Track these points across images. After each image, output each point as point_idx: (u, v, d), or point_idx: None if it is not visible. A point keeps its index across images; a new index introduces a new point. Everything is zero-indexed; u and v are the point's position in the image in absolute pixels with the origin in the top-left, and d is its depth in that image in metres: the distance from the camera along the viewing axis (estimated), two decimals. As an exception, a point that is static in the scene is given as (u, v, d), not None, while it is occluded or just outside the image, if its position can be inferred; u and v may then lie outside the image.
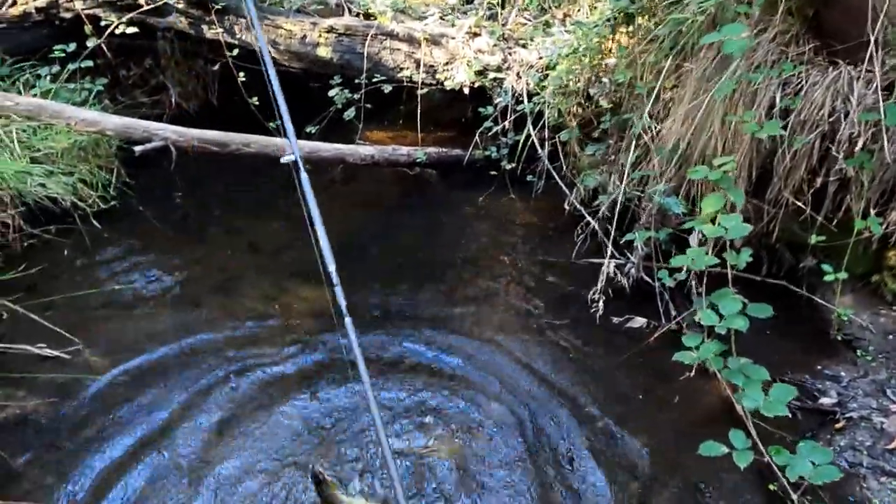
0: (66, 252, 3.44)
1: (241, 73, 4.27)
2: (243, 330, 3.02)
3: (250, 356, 2.87)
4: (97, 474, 2.31)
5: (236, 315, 3.12)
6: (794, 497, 1.82)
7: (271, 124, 4.30)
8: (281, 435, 2.49)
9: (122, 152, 3.95)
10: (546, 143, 3.89)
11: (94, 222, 3.61)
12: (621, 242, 3.16)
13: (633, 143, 3.10)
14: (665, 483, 2.35)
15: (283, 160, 2.01)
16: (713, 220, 2.10)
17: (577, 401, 2.66)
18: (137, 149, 3.46)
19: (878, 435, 2.36)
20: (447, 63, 4.38)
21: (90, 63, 4.10)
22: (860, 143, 2.41)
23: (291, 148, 1.95)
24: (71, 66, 4.02)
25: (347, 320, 1.77)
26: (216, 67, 4.70)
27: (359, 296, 3.26)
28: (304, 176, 1.98)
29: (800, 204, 2.67)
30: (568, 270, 3.39)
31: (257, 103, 4.31)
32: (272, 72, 2.10)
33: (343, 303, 1.81)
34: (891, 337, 2.70)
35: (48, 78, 3.96)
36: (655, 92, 3.05)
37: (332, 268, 1.83)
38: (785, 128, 2.47)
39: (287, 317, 3.13)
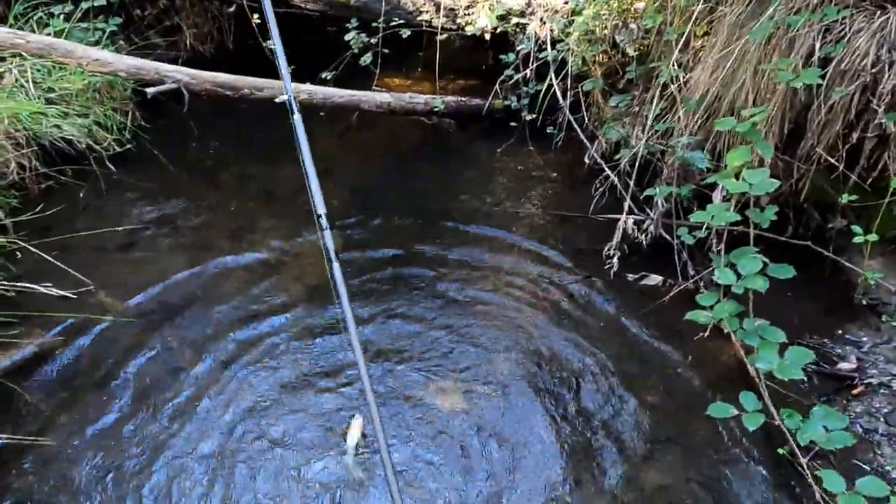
0: (81, 194, 3.45)
1: (256, 16, 4.14)
2: (256, 275, 3.03)
3: (263, 301, 2.88)
4: (110, 415, 2.36)
5: (249, 260, 3.12)
6: (803, 461, 1.78)
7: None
8: (289, 376, 2.52)
9: (137, 95, 3.90)
10: (568, 93, 3.74)
11: (110, 165, 3.61)
12: (641, 198, 3.06)
13: (659, 93, 2.95)
14: (674, 442, 2.33)
15: (277, 100, 1.94)
16: (738, 175, 1.99)
17: (587, 357, 2.63)
18: (150, 90, 3.41)
19: (895, 402, 2.29)
20: (468, 7, 4.20)
21: (104, 2, 4.01)
22: (903, 97, 2.24)
23: (287, 90, 1.86)
24: (84, 5, 3.94)
25: (336, 265, 1.72)
26: (232, 9, 4.58)
27: (372, 243, 3.25)
28: (297, 118, 1.91)
29: (833, 161, 2.53)
30: (585, 225, 3.31)
31: (273, 47, 4.20)
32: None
33: (331, 247, 1.77)
34: (918, 302, 2.59)
35: (61, 17, 3.89)
36: (685, 38, 2.88)
37: (321, 211, 1.77)
38: (823, 78, 2.31)
39: (300, 262, 3.13)
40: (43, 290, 2.12)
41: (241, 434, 2.30)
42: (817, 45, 2.40)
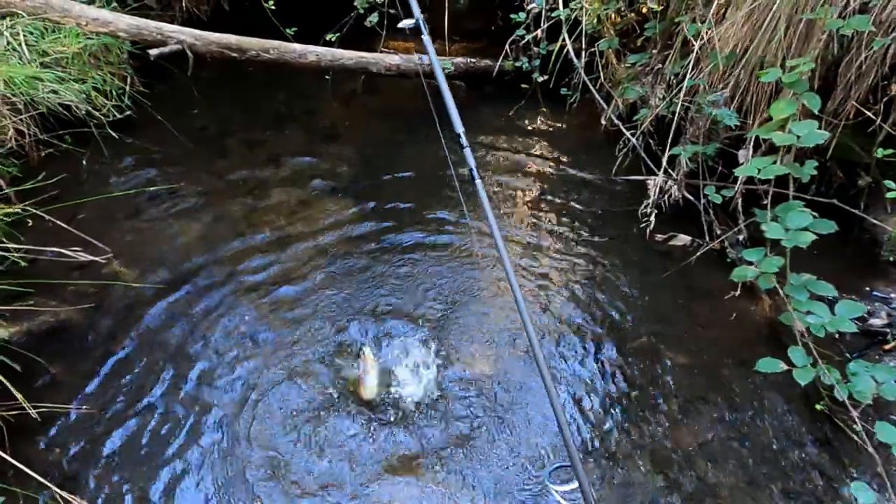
0: (84, 162, 3.32)
1: (256, -26, 3.97)
2: (268, 241, 2.96)
3: (275, 267, 2.82)
4: (132, 381, 2.31)
5: (260, 226, 3.05)
6: (855, 414, 1.77)
7: (288, 31, 4.06)
8: (309, 340, 2.48)
9: (134, 60, 3.74)
10: (583, 53, 3.64)
11: (111, 131, 3.47)
12: (662, 159, 3.00)
13: (681, 50, 2.87)
14: (707, 400, 2.32)
15: (400, 25, 1.83)
16: (783, 128, 1.94)
17: (617, 319, 2.61)
18: (153, 52, 3.26)
19: (930, 356, 2.30)
20: (477, -36, 4.06)
21: (94, -39, 3.80)
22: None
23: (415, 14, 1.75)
24: (75, -37, 3.73)
25: (478, 182, 1.65)
26: (228, -32, 4.38)
27: (382, 203, 3.18)
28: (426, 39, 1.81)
29: (869, 114, 2.48)
30: (604, 187, 3.26)
31: (273, 7, 4.04)
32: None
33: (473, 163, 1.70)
34: (946, 258, 2.59)
35: (52, -25, 3.68)
36: (712, -9, 2.79)
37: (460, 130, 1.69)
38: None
39: (311, 228, 3.05)
40: (72, 254, 2.02)
41: (265, 400, 2.26)
42: (856, -6, 2.33)
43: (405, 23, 1.80)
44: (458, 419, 2.22)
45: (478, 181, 1.64)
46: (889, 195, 2.44)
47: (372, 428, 2.18)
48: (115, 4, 3.99)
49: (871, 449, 1.74)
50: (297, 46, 3.64)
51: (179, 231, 3.00)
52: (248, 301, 2.66)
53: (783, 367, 1.80)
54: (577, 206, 3.17)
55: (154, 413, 2.22)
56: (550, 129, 3.80)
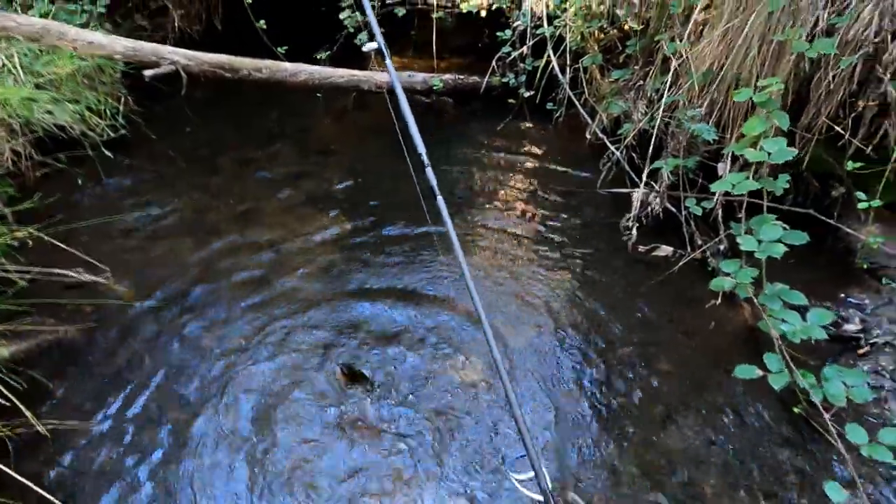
0: (79, 181, 3.38)
1: (247, -6, 4.06)
2: (265, 256, 3.02)
3: (272, 284, 2.88)
4: (132, 398, 2.36)
5: (256, 243, 3.11)
6: (827, 416, 1.86)
7: (279, 49, 4.15)
8: (303, 352, 2.54)
9: (128, 79, 3.81)
10: (567, 69, 3.76)
11: (106, 151, 3.52)
12: (645, 172, 3.11)
13: (661, 67, 2.99)
14: (689, 406, 2.41)
15: (365, 48, 1.91)
16: (755, 145, 2.04)
17: (602, 328, 2.69)
18: (147, 73, 3.33)
19: (901, 359, 2.40)
20: (463, -17, 4.18)
21: (88, -18, 3.88)
22: (907, 65, 2.31)
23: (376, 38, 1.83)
24: (69, -14, 3.82)
25: (440, 199, 1.74)
26: (219, -12, 4.47)
27: (374, 218, 3.26)
28: (389, 63, 1.89)
29: (838, 129, 2.60)
30: (589, 200, 3.35)
31: (265, 27, 4.13)
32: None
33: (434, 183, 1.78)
34: (917, 265, 2.70)
35: (45, -1, 3.76)
36: (689, 12, 2.91)
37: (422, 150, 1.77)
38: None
39: (305, 245, 3.12)
40: (74, 275, 2.07)
41: (264, 415, 2.31)
42: (822, 16, 2.45)
43: (368, 46, 1.89)
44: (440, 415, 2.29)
45: (439, 198, 1.71)
46: (860, 205, 2.56)
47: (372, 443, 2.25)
48: (107, 25, 4.08)
49: (842, 449, 1.83)
50: (288, 65, 3.72)
51: (175, 249, 3.06)
52: (244, 316, 2.72)
53: (759, 373, 1.88)
54: (563, 218, 3.27)
55: (154, 428, 2.27)
56: (537, 143, 3.90)
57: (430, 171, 1.74)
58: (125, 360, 2.49)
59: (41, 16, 3.66)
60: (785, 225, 2.04)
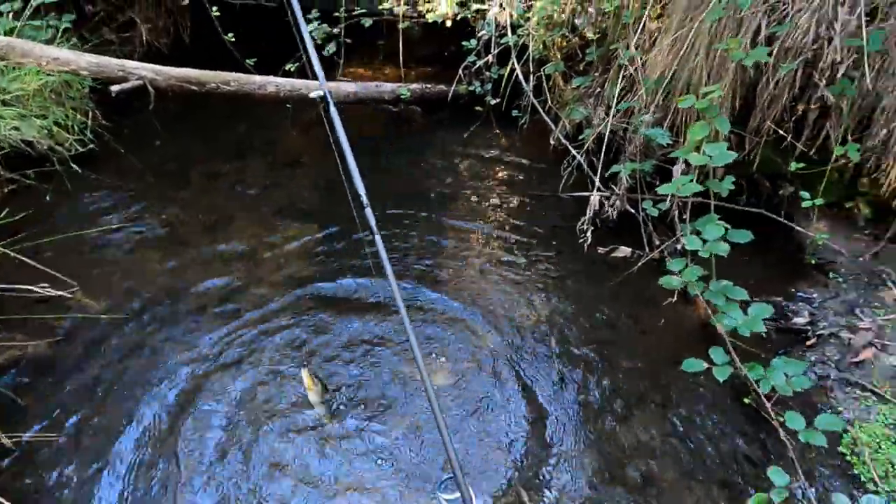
0: (48, 197, 3.39)
1: (215, 8, 4.11)
2: (234, 269, 3.05)
3: (242, 295, 2.91)
4: (100, 411, 2.38)
5: (226, 255, 3.14)
6: (768, 405, 1.96)
7: (248, 61, 4.20)
8: (270, 362, 2.58)
9: (96, 94, 3.83)
10: (531, 76, 3.86)
11: (74, 166, 3.54)
12: (606, 175, 3.21)
13: (618, 74, 3.09)
14: (647, 400, 2.50)
15: (311, 95, 1.96)
16: (698, 149, 2.14)
17: (564, 328, 2.77)
18: (114, 88, 3.36)
19: (845, 350, 2.52)
20: (428, -6, 4.27)
21: (54, -2, 3.90)
22: (842, 70, 2.44)
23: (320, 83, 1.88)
24: (34, 2, 3.82)
25: (378, 238, 1.79)
26: (186, 2, 4.50)
27: (344, 227, 3.31)
28: (334, 111, 1.94)
29: (781, 132, 2.72)
30: (553, 204, 3.45)
31: (233, 39, 4.18)
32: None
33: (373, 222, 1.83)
34: (861, 259, 2.83)
35: (10, 15, 3.77)
36: (642, 21, 3.03)
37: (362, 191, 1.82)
38: (770, 55, 2.48)
39: (273, 255, 3.17)
40: (39, 290, 2.10)
41: (232, 425, 2.35)
42: (763, 25, 2.58)
43: (315, 93, 1.96)
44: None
45: (377, 237, 1.76)
46: (804, 204, 2.69)
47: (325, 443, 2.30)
48: (74, 40, 4.10)
49: (783, 435, 1.92)
50: (256, 78, 3.78)
51: (144, 262, 3.09)
52: (212, 328, 2.75)
53: (705, 366, 1.98)
54: (528, 222, 3.36)
55: (121, 440, 2.29)
56: (503, 149, 4.00)
57: (368, 212, 1.79)
58: (93, 373, 2.51)
59: (5, 33, 3.68)
60: (727, 224, 2.14)
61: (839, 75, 2.47)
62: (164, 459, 2.23)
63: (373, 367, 2.59)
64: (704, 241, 2.07)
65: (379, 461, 2.25)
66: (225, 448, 2.27)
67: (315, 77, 1.86)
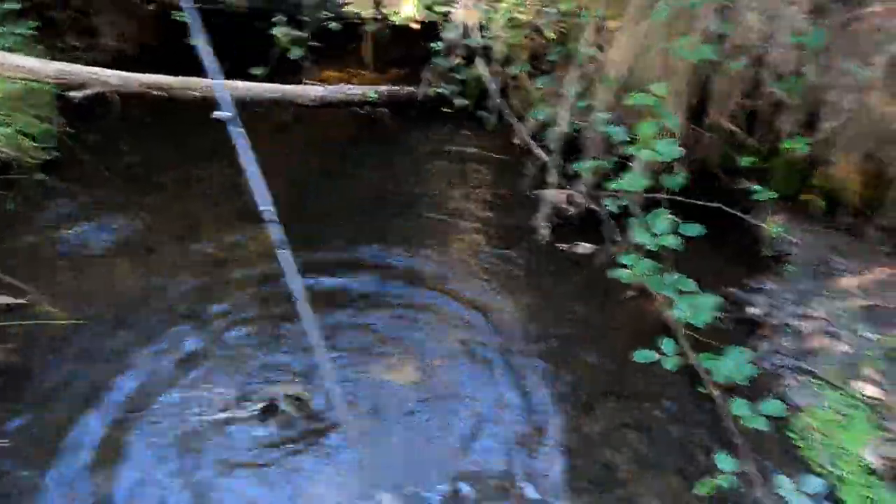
0: (11, 206, 3.36)
1: (180, 13, 4.10)
2: (201, 274, 3.05)
3: (210, 300, 2.91)
4: (61, 419, 2.36)
5: (193, 260, 3.14)
6: (714, 393, 2.02)
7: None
8: (242, 371, 2.58)
9: (61, 101, 3.81)
10: (497, 77, 3.91)
11: (39, 174, 3.52)
12: (570, 173, 3.26)
13: (577, 73, 3.15)
14: (609, 393, 2.54)
15: (213, 116, 1.95)
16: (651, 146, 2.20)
17: (528, 324, 2.82)
18: (76, 95, 3.35)
19: (797, 338, 2.59)
20: (395, -3, 4.30)
21: (16, 5, 3.87)
22: (787, 67, 2.51)
23: (224, 106, 1.87)
24: (-4, 9, 3.81)
25: (286, 252, 1.81)
26: (152, 7, 4.49)
27: (314, 230, 3.33)
28: (238, 131, 1.93)
29: (733, 128, 2.79)
30: (518, 203, 3.50)
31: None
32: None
33: (279, 237, 1.84)
34: (815, 250, 2.91)
35: (-29, 23, 3.74)
36: (599, 21, 3.09)
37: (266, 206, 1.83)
38: (718, 53, 2.55)
39: (243, 260, 3.17)
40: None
41: (197, 437, 2.34)
42: (713, 24, 2.64)
43: (219, 114, 1.96)
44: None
45: (285, 252, 1.77)
46: (756, 197, 2.76)
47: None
48: (38, 47, 4.07)
49: (729, 422, 1.98)
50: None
51: (110, 269, 3.07)
52: (181, 334, 2.75)
53: (656, 356, 2.03)
54: (493, 221, 3.40)
55: (83, 450, 2.27)
56: (470, 149, 4.04)
57: (275, 228, 1.79)
58: (55, 382, 2.49)
59: (-33, 41, 3.65)
60: (677, 219, 2.19)
61: (786, 72, 2.55)
62: (123, 468, 2.22)
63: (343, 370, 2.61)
64: (655, 235, 2.12)
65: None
66: (182, 458, 2.26)
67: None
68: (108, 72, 3.54)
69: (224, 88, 1.83)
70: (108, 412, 2.38)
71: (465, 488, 2.18)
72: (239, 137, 1.91)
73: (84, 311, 2.81)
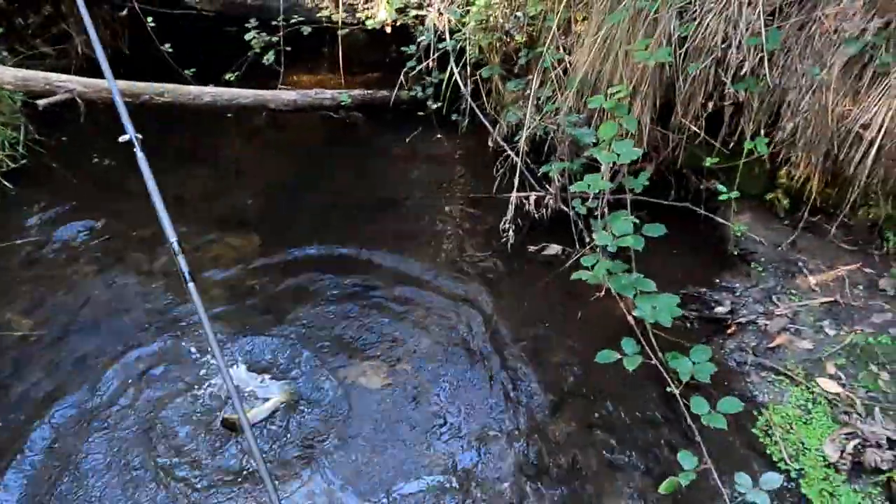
0: (-24, 215, 3.33)
1: (150, 19, 4.09)
2: (172, 281, 3.03)
3: (178, 308, 2.90)
4: (22, 432, 2.34)
5: (163, 267, 3.12)
6: (676, 392, 2.05)
7: (187, 72, 4.18)
8: (213, 378, 2.57)
9: (27, 108, 3.76)
10: (469, 80, 3.91)
11: (5, 182, 3.48)
12: (539, 175, 3.28)
13: (544, 76, 3.17)
14: (579, 393, 2.56)
15: (120, 140, 1.95)
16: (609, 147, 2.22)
17: (499, 326, 2.83)
18: (41, 102, 3.31)
19: (762, 336, 2.62)
20: (367, 1, 4.29)
21: (-19, 11, 3.83)
22: (747, 68, 2.54)
23: (129, 129, 1.87)
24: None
25: (191, 286, 1.79)
26: (124, 13, 4.45)
27: (288, 236, 3.32)
28: (140, 155, 1.92)
29: (695, 129, 2.83)
30: (491, 205, 3.50)
31: (171, 50, 4.16)
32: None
33: (185, 269, 1.82)
34: (780, 248, 2.94)
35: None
36: (566, 24, 3.11)
37: (173, 238, 1.82)
38: (678, 55, 2.58)
39: (216, 267, 3.15)
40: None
41: (154, 446, 2.32)
42: (673, 26, 2.67)
43: (123, 138, 1.97)
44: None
45: (191, 285, 1.75)
46: (721, 197, 2.79)
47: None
48: (5, 53, 4.03)
49: (689, 420, 2.00)
50: (192, 88, 3.76)
51: (79, 277, 3.05)
52: (150, 342, 2.73)
53: (617, 356, 2.04)
54: (465, 223, 3.42)
55: (55, 460, 2.26)
56: (444, 153, 4.05)
57: (181, 259, 1.78)
58: (19, 391, 2.47)
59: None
60: (643, 219, 2.21)
61: (744, 73, 2.58)
62: (89, 478, 2.21)
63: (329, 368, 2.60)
64: (614, 237, 2.14)
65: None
66: (145, 469, 2.24)
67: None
68: (72, 78, 3.51)
69: (124, 106, 1.80)
70: (67, 420, 2.36)
71: (427, 488, 2.19)
72: (142, 162, 1.90)
73: (50, 322, 2.78)
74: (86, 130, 3.68)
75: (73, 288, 2.97)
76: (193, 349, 2.69)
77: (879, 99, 2.37)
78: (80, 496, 2.14)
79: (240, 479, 2.20)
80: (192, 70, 4.19)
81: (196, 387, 2.53)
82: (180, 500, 2.14)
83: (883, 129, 2.36)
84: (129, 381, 2.54)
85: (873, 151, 2.44)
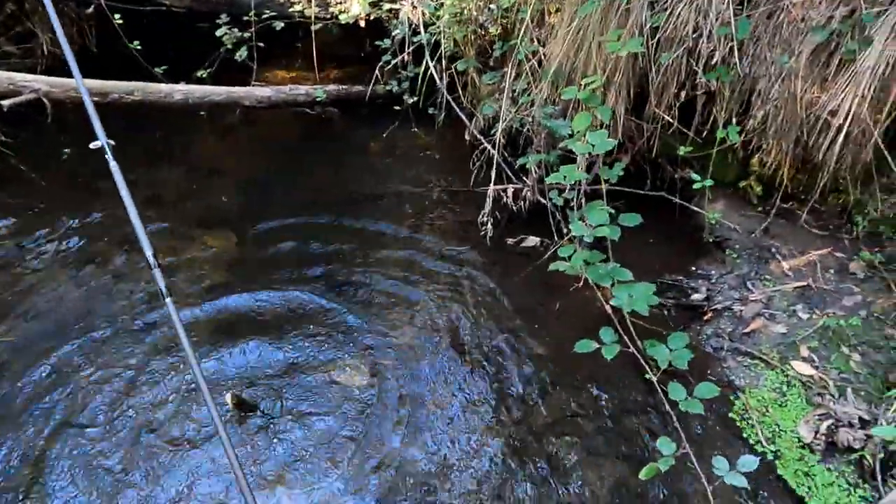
0: (-59, 220, 3.24)
1: (118, 15, 4.00)
2: (147, 283, 2.98)
3: (155, 310, 2.85)
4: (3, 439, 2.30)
5: (140, 269, 3.07)
6: (654, 378, 2.07)
7: (157, 69, 4.11)
8: (189, 383, 2.54)
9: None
10: (444, 73, 3.90)
11: (-29, 187, 3.40)
12: (517, 167, 3.29)
13: (518, 68, 3.17)
14: (560, 383, 2.58)
15: (92, 146, 1.92)
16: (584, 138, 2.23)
17: (479, 319, 2.83)
18: (5, 103, 3.22)
19: (737, 322, 2.66)
20: (340, -6, 4.26)
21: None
22: (717, 58, 2.57)
23: (101, 137, 1.85)
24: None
25: (169, 301, 1.76)
26: (90, 10, 4.35)
27: (266, 234, 3.29)
28: (114, 165, 1.89)
29: (669, 118, 2.85)
30: (468, 198, 3.51)
31: (139, 48, 4.08)
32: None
33: (162, 285, 1.80)
34: (754, 235, 2.99)
35: None
36: (539, 16, 3.11)
37: (149, 252, 1.80)
38: (650, 45, 2.60)
39: (194, 267, 3.11)
40: None
41: (129, 451, 2.30)
42: (645, 17, 2.69)
43: (94, 144, 1.95)
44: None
45: (168, 300, 1.73)
46: (695, 186, 2.82)
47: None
48: (-33, 55, 3.91)
49: (667, 406, 2.03)
50: (162, 86, 3.69)
51: (52, 280, 2.98)
52: (125, 345, 2.69)
53: (595, 346, 2.06)
54: (443, 217, 3.41)
55: (32, 466, 2.22)
56: (421, 146, 4.04)
57: (157, 273, 1.75)
58: (-8, 398, 2.42)
59: None
60: (618, 208, 2.23)
61: (715, 62, 2.61)
62: (68, 483, 2.17)
63: (301, 376, 2.58)
64: (590, 227, 2.15)
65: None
66: (132, 471, 2.22)
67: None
68: (37, 77, 3.42)
69: (95, 110, 1.77)
70: (41, 425, 2.32)
71: (410, 481, 2.20)
72: (116, 172, 1.86)
73: (20, 327, 2.72)
74: (53, 131, 3.60)
75: (44, 293, 2.90)
76: (171, 354, 2.65)
77: (846, 86, 2.42)
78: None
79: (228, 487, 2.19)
80: (162, 68, 4.12)
81: (175, 391, 2.50)
82: None
83: (850, 116, 2.40)
84: (106, 386, 2.50)
85: (841, 138, 2.48)
